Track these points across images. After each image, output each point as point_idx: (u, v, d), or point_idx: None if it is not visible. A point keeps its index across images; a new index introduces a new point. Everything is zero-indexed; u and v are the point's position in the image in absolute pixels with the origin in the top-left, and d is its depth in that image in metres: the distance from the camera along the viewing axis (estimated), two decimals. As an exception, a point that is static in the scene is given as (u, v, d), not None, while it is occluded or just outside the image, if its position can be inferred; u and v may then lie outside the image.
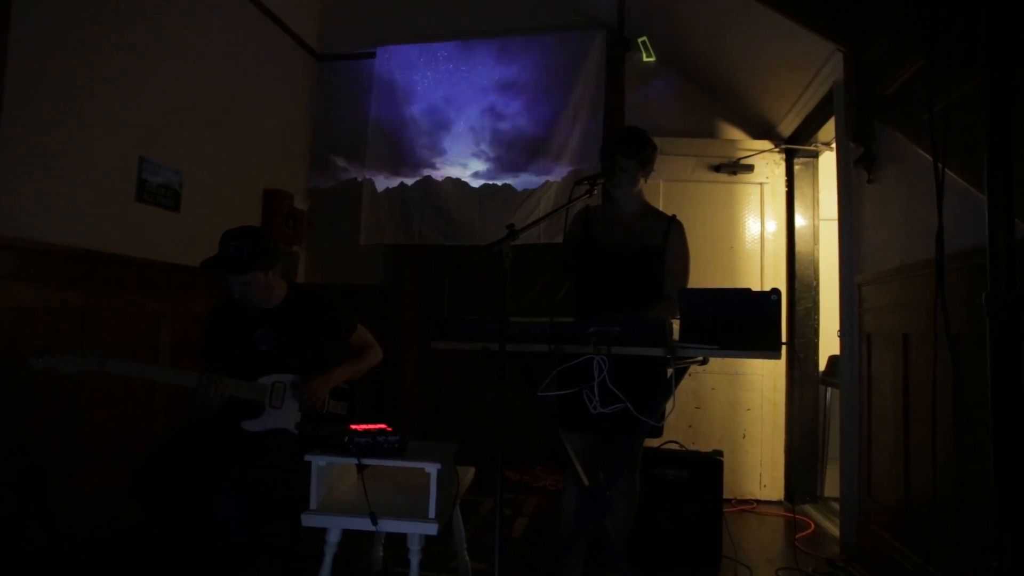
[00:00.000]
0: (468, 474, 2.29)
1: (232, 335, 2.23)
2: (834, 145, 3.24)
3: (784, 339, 1.63)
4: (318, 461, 1.88)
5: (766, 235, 3.80)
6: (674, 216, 2.23)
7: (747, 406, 3.69)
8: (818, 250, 3.79)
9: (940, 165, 1.49)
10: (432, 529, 1.80)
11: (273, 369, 2.19)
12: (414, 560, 1.83)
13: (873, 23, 2.50)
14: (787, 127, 3.83)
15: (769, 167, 3.82)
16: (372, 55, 4.41)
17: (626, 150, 2.14)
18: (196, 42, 3.32)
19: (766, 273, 3.77)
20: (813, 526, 3.21)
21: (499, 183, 4.17)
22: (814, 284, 3.77)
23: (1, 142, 2.28)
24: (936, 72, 1.78)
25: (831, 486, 3.54)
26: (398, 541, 1.94)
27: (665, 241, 2.16)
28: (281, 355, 2.22)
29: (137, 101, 2.92)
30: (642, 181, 2.21)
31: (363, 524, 1.80)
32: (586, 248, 2.19)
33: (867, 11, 2.54)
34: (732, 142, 3.92)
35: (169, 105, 3.13)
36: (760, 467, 3.67)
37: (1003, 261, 1.22)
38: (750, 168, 3.80)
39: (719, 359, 1.76)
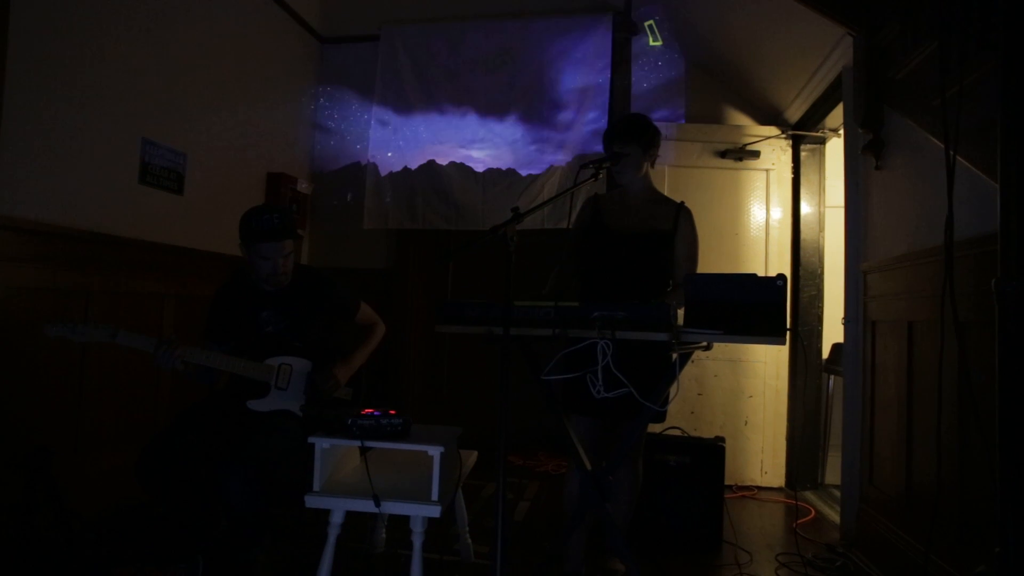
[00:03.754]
0: (471, 458, 2.30)
1: (238, 317, 2.24)
2: (842, 131, 3.20)
3: (788, 326, 1.62)
4: (322, 443, 1.89)
5: (771, 222, 3.78)
6: (683, 203, 2.22)
7: (749, 393, 3.69)
8: (823, 237, 3.77)
9: (951, 151, 1.47)
10: (435, 511, 1.81)
11: (279, 351, 2.20)
12: (417, 542, 1.84)
13: (884, 6, 2.46)
14: (794, 113, 3.79)
15: (775, 153, 3.78)
16: (376, 37, 4.37)
17: (627, 136, 2.13)
18: (199, 23, 3.29)
19: (771, 260, 3.75)
20: (813, 513, 3.23)
21: (503, 167, 4.14)
22: (819, 271, 3.75)
23: (4, 124, 2.26)
24: (949, 56, 1.75)
25: (832, 473, 3.56)
26: (401, 523, 1.95)
27: (675, 227, 2.16)
28: (288, 337, 2.22)
29: (139, 83, 2.90)
30: (647, 166, 2.20)
31: (366, 506, 1.81)
32: (595, 234, 2.18)
33: (879, -7, 2.50)
34: (738, 128, 3.88)
35: (172, 87, 3.11)
36: (762, 454, 3.68)
37: (1014, 247, 1.21)
38: (756, 154, 3.77)
39: (722, 345, 1.76)
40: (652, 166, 2.23)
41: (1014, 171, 1.21)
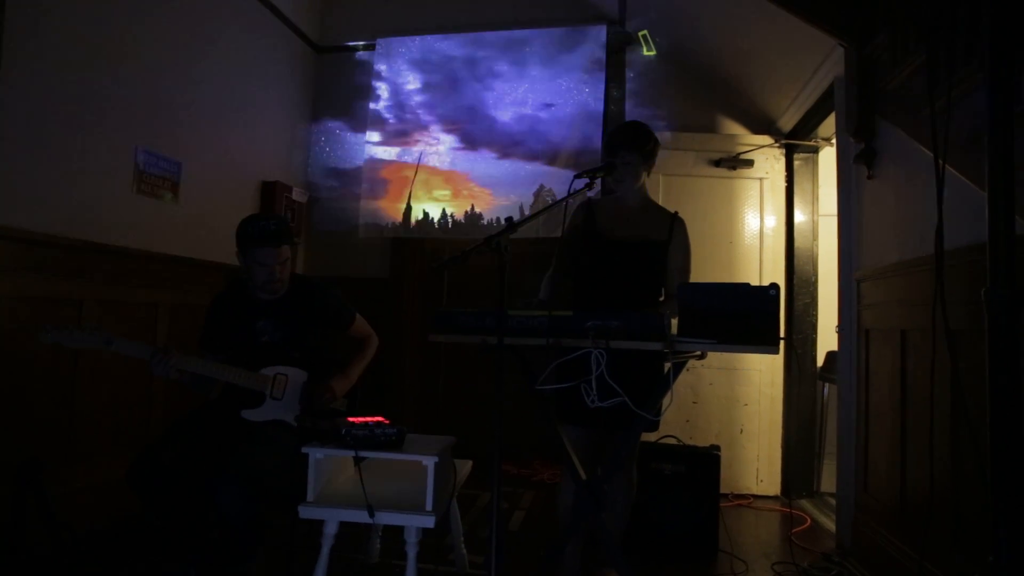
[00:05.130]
0: (465, 467, 2.29)
1: (234, 326, 2.23)
2: (834, 141, 3.23)
3: (782, 334, 1.63)
4: (316, 453, 1.88)
5: (765, 230, 3.80)
6: (676, 213, 2.23)
7: (744, 401, 3.70)
8: (817, 246, 3.79)
9: (940, 161, 1.48)
10: (429, 522, 1.80)
11: (275, 361, 2.19)
12: (411, 552, 1.84)
13: (875, 17, 2.49)
14: (787, 122, 3.82)
15: (769, 162, 3.81)
16: (372, 47, 4.39)
17: (629, 144, 2.14)
18: (195, 32, 3.30)
19: (765, 268, 3.77)
20: (809, 521, 3.22)
21: (499, 175, 4.15)
22: (813, 280, 3.77)
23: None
24: (938, 66, 1.77)
25: (827, 481, 3.55)
26: (395, 533, 1.94)
27: (669, 237, 2.17)
28: (283, 347, 2.22)
29: (134, 91, 2.91)
30: (644, 175, 2.21)
31: (360, 516, 1.80)
32: (589, 240, 2.19)
33: (869, 5, 2.53)
34: (732, 137, 3.91)
35: (167, 96, 3.11)
36: (757, 462, 3.68)
37: (1003, 256, 1.22)
38: (750, 163, 3.80)
39: (717, 354, 1.76)
40: (648, 175, 2.24)
41: (1001, 181, 1.22)
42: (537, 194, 4.07)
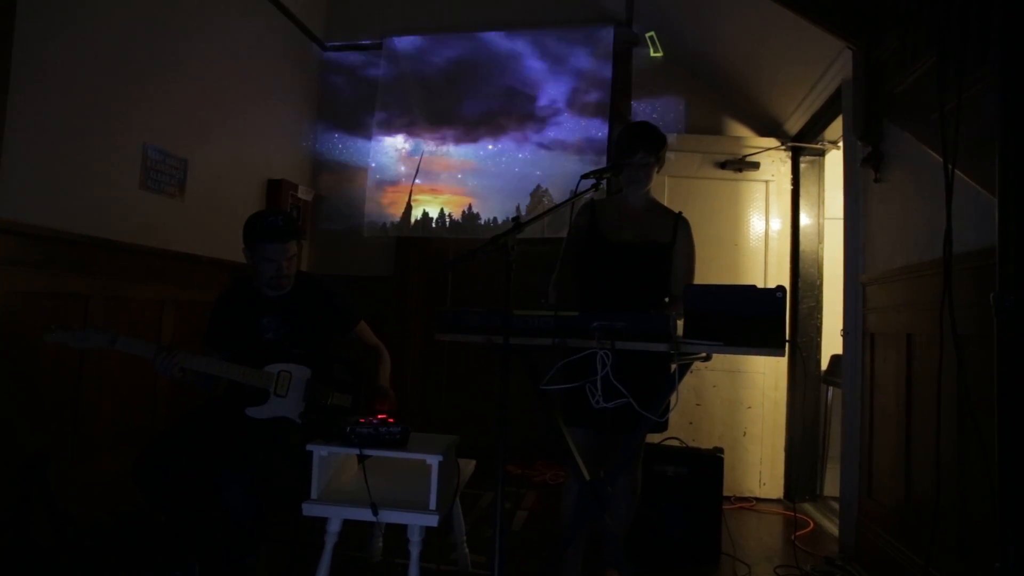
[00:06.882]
0: (469, 467, 2.29)
1: (239, 323, 2.23)
2: (841, 144, 3.22)
3: (787, 337, 1.63)
4: (320, 451, 1.88)
5: (771, 233, 3.79)
6: (680, 213, 2.23)
7: (748, 404, 3.69)
8: (822, 249, 3.78)
9: (950, 165, 1.48)
10: (432, 521, 1.80)
11: (279, 358, 2.19)
12: (414, 551, 1.84)
13: (884, 20, 2.48)
14: (794, 125, 3.81)
15: (775, 165, 3.80)
16: (379, 46, 4.40)
17: (648, 145, 2.14)
18: (202, 29, 3.31)
19: (770, 271, 3.76)
20: (812, 525, 3.21)
21: (504, 175, 4.15)
22: (818, 283, 3.76)
23: (7, 128, 2.27)
24: (948, 70, 1.76)
25: (831, 485, 3.55)
26: (398, 532, 1.94)
27: (674, 238, 2.16)
28: (287, 344, 2.22)
29: (141, 88, 2.91)
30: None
31: (364, 514, 1.80)
32: (593, 241, 2.19)
33: (878, 8, 2.52)
34: (738, 139, 3.90)
35: (174, 93, 3.12)
36: (760, 465, 3.67)
37: (1013, 261, 1.22)
38: (756, 166, 3.79)
39: (721, 356, 1.76)
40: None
41: (1012, 185, 1.22)
42: (534, 194, 4.07)
